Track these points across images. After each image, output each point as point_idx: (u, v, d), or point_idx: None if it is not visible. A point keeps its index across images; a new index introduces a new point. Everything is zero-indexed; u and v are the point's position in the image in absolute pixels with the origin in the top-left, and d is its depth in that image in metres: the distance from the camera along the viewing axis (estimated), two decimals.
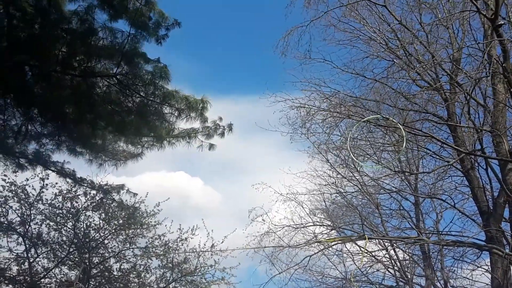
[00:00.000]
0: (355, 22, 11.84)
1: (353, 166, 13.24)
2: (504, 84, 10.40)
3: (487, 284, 12.23)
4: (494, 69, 9.61)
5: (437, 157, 12.32)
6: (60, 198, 15.97)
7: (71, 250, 16.40)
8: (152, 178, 28.07)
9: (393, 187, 14.27)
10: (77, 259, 16.71)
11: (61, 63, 9.97)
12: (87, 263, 16.28)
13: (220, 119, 11.71)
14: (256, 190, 14.43)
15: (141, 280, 16.98)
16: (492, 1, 8.63)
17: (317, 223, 14.42)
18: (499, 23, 8.34)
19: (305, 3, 11.13)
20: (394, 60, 11.37)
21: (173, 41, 10.06)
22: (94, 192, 15.65)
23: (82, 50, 9.63)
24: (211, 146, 11.89)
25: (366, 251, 14.08)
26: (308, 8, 11.06)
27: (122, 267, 16.96)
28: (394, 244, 14.47)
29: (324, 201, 15.10)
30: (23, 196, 15.69)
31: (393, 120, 10.11)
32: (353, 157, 11.62)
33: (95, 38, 9.44)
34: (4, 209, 15.67)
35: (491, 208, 11.18)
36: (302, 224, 13.97)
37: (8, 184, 15.45)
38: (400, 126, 9.22)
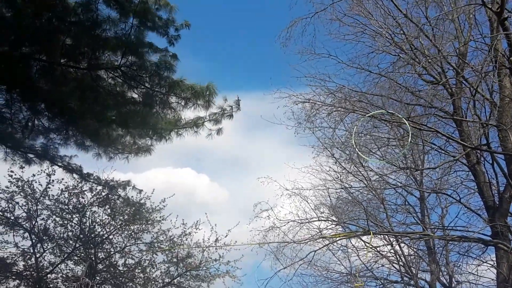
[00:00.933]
0: (361, 16, 11.82)
1: (358, 161, 13.23)
2: (510, 78, 10.38)
3: (492, 280, 12.19)
4: (500, 63, 9.54)
5: (443, 152, 12.31)
6: (66, 194, 16.07)
7: (77, 245, 16.48)
8: (159, 174, 28.15)
9: (398, 182, 14.25)
10: (82, 254, 16.79)
11: (66, 56, 10.00)
12: (93, 259, 16.36)
13: (225, 100, 11.48)
14: (261, 184, 14.44)
15: (146, 275, 17.06)
16: None
17: (322, 218, 14.39)
18: (505, 16, 8.33)
19: None
20: (400, 55, 11.32)
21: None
22: (100, 188, 15.72)
23: (87, 42, 9.62)
24: (219, 131, 11.74)
25: (371, 246, 14.05)
26: (313, 0, 11.05)
27: (127, 262, 17.06)
28: (399, 239, 14.47)
29: (329, 196, 15.10)
30: (30, 192, 15.78)
31: (398, 115, 10.10)
32: (359, 152, 11.59)
33: (100, 30, 9.42)
34: (11, 205, 15.78)
35: (497, 203, 11.15)
36: (307, 219, 13.95)
37: (14, 180, 15.55)
38: (405, 121, 9.22)
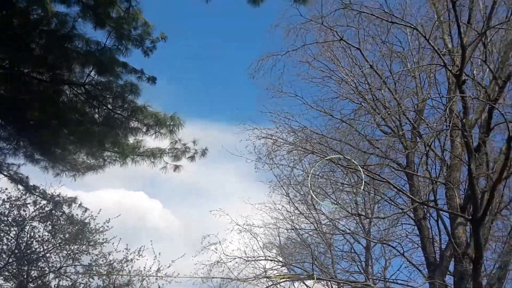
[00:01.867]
0: (329, 62, 12.23)
1: (311, 203, 13.35)
2: (462, 139, 10.84)
3: None
4: (454, 123, 9.97)
5: (392, 203, 12.57)
6: (7, 205, 15.35)
7: (10, 260, 15.66)
8: (110, 195, 27.20)
9: (347, 228, 14.44)
10: (15, 270, 15.95)
11: (31, 65, 9.75)
12: (25, 276, 15.57)
13: (194, 143, 11.39)
14: (213, 216, 14.29)
15: None
16: (458, 58, 9.10)
17: (269, 258, 14.32)
18: (463, 79, 8.77)
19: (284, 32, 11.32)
20: (362, 103, 11.72)
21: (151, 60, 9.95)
22: (44, 202, 15.13)
23: (57, 54, 9.41)
24: (177, 168, 11.52)
25: None
26: (285, 40, 11.30)
27: (61, 283, 16.27)
28: (341, 287, 14.50)
29: (279, 236, 15.07)
30: None
31: (354, 161, 10.35)
32: (313, 195, 11.75)
33: (72, 44, 9.26)
34: None
35: (438, 260, 11.41)
36: (253, 257, 13.85)
37: None
38: (360, 169, 9.45)
